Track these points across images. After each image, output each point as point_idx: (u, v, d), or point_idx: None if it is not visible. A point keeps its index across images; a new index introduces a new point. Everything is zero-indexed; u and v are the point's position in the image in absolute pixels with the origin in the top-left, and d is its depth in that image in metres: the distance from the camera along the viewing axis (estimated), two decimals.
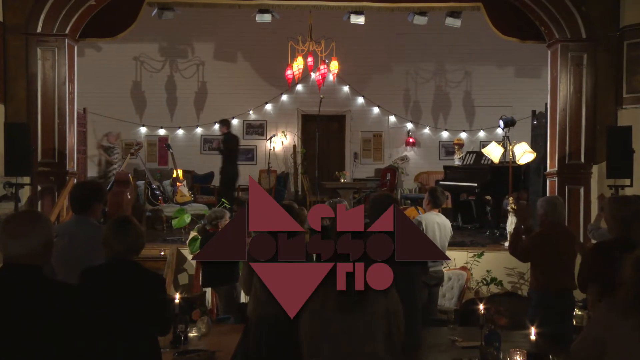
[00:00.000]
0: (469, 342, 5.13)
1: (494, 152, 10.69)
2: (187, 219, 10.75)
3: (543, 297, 5.96)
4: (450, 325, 5.86)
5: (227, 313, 7.15)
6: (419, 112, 16.75)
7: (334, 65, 13.88)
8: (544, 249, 5.97)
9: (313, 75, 15.38)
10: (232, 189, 13.78)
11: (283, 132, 16.46)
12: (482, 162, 12.55)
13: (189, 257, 9.62)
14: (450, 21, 11.67)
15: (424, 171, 16.45)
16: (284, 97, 16.50)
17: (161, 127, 16.36)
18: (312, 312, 3.55)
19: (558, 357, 4.48)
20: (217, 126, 15.46)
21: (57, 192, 10.17)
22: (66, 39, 10.35)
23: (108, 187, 11.28)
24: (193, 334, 5.41)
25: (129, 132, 16.11)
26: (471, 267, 9.29)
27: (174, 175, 13.09)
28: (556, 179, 10.61)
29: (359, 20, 11.70)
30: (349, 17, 11.76)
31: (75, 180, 10.41)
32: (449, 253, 7.05)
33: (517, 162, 10.48)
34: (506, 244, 8.81)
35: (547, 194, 10.50)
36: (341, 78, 15.70)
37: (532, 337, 4.98)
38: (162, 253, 9.75)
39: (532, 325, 5.02)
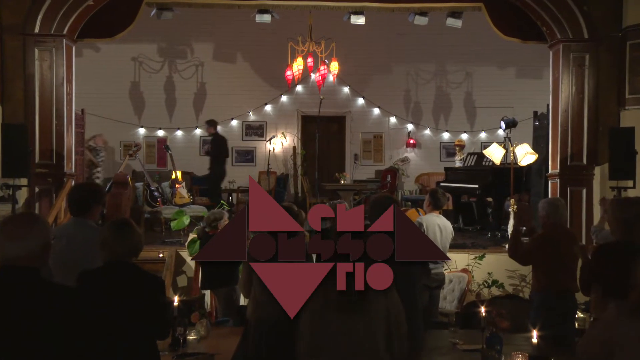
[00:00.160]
0: (470, 345, 5.10)
1: (495, 154, 10.67)
2: (186, 220, 10.69)
3: (545, 299, 5.95)
4: (452, 327, 5.87)
5: (227, 316, 7.14)
6: (420, 113, 16.72)
7: (334, 66, 13.88)
8: (545, 250, 5.97)
9: (313, 76, 15.38)
10: (219, 189, 13.99)
11: (283, 133, 16.41)
12: (484, 163, 12.49)
13: (188, 259, 9.57)
14: (451, 21, 11.64)
15: (425, 172, 16.43)
16: (284, 98, 16.46)
17: (160, 128, 16.32)
18: (312, 313, 3.53)
19: None
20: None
21: (55, 194, 10.13)
22: (64, 40, 10.30)
23: (106, 189, 11.21)
24: (192, 336, 5.40)
25: (127, 133, 16.09)
26: (472, 270, 9.27)
27: (173, 176, 13.04)
28: (558, 180, 10.56)
29: (359, 20, 11.67)
30: (349, 18, 11.73)
31: (73, 182, 10.37)
32: (450, 255, 7.03)
33: (518, 163, 10.46)
34: (507, 246, 8.76)
35: (549, 196, 10.47)
36: (341, 79, 15.67)
37: (534, 340, 4.98)
38: (161, 255, 9.71)
39: (534, 328, 5.01)
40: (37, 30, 10.17)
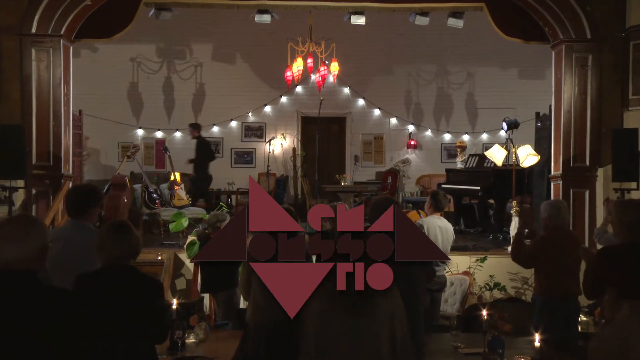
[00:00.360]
0: (471, 349, 5.14)
1: (497, 155, 10.67)
2: (185, 222, 10.64)
3: (547, 302, 5.98)
4: (453, 331, 5.82)
5: (226, 319, 7.15)
6: (421, 114, 16.68)
7: (334, 67, 13.89)
8: (548, 253, 6.00)
9: (313, 77, 15.37)
10: (206, 192, 14.17)
11: (282, 134, 16.38)
12: (485, 165, 12.49)
13: (187, 261, 9.56)
14: (452, 22, 11.59)
15: (426, 174, 16.41)
16: (284, 99, 16.42)
17: (158, 130, 16.28)
18: (316, 313, 3.52)
19: None
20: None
21: (52, 196, 10.09)
22: (61, 40, 10.24)
23: (104, 191, 11.17)
24: (191, 340, 5.43)
25: (125, 134, 16.09)
26: (474, 272, 9.27)
27: (172, 178, 13.01)
28: (560, 182, 10.51)
29: (360, 20, 11.63)
30: (350, 18, 11.68)
31: (70, 184, 10.34)
32: (451, 258, 7.00)
33: (520, 164, 10.50)
34: (509, 248, 8.75)
35: (552, 198, 10.44)
36: (341, 79, 15.65)
37: (537, 344, 4.99)
38: (159, 258, 9.70)
39: (537, 331, 5.03)
40: (34, 30, 10.12)
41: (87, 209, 5.07)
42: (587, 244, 9.65)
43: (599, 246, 7.06)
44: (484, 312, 5.05)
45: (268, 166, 14.28)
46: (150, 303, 4.00)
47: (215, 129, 16.21)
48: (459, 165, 14.08)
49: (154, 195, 12.54)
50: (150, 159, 16.23)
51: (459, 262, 9.31)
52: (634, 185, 9.49)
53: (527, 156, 10.27)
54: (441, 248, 7.02)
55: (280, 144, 16.37)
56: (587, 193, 10.36)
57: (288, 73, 13.82)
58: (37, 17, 10.09)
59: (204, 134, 14.60)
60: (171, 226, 10.72)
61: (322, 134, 14.34)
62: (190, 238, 9.42)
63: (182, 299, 7.86)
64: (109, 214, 9.85)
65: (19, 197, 9.81)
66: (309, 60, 13.92)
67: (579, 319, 6.54)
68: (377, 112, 16.53)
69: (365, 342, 3.46)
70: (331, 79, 14.50)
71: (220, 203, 10.81)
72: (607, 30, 10.41)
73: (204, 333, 5.56)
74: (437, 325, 7.00)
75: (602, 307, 3.96)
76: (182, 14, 12.95)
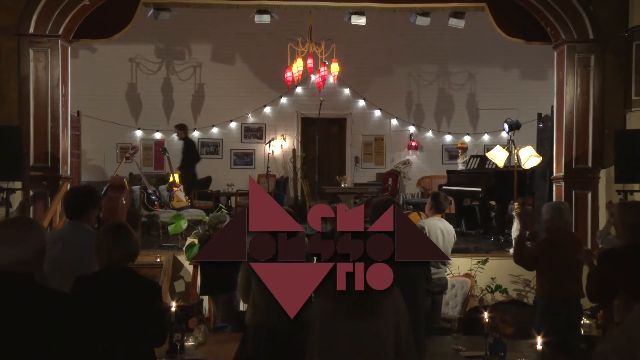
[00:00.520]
0: (473, 352, 5.16)
1: (498, 156, 10.65)
2: (184, 224, 10.60)
3: (549, 304, 5.99)
4: (454, 334, 5.90)
5: (225, 321, 7.18)
6: (422, 115, 16.67)
7: (335, 67, 13.91)
8: (550, 255, 6.02)
9: (313, 78, 15.35)
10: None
11: (282, 135, 16.37)
12: (487, 166, 12.49)
13: (186, 263, 9.57)
14: (453, 22, 11.56)
15: (427, 175, 16.37)
16: (283, 100, 16.39)
17: (157, 131, 16.25)
18: (320, 315, 3.55)
19: None
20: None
21: (50, 197, 10.04)
22: (59, 40, 10.20)
23: (103, 192, 11.14)
24: (190, 343, 5.49)
25: (124, 135, 16.07)
26: (475, 274, 9.24)
27: (170, 179, 12.98)
28: (563, 183, 10.47)
29: (360, 21, 11.60)
30: (350, 18, 11.65)
31: (69, 185, 10.30)
32: (452, 259, 6.98)
33: (522, 166, 10.48)
34: (511, 250, 8.75)
35: (554, 199, 10.44)
36: (342, 80, 15.65)
37: (539, 347, 5.01)
38: (158, 260, 9.68)
39: (539, 334, 5.06)
40: (31, 30, 10.07)
41: (85, 211, 5.04)
42: (589, 246, 9.60)
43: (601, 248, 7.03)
44: (486, 315, 5.06)
45: (268, 167, 14.28)
46: (148, 305, 3.98)
47: (215, 130, 16.20)
48: (460, 167, 14.06)
49: (153, 197, 12.53)
50: (149, 160, 16.21)
51: (460, 265, 9.29)
52: (637, 186, 9.48)
53: (529, 157, 10.24)
54: (442, 250, 7.03)
55: (280, 145, 16.35)
56: (589, 195, 10.32)
57: (288, 74, 13.82)
58: (34, 17, 10.04)
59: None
60: (170, 228, 10.68)
61: (322, 135, 14.36)
62: (190, 240, 9.43)
63: (181, 302, 7.87)
64: (108, 216, 9.83)
65: (16, 198, 9.77)
66: (309, 61, 13.92)
67: (581, 322, 6.58)
68: (377, 113, 16.51)
69: (369, 343, 3.48)
70: (331, 79, 14.51)
71: (220, 205, 10.77)
72: (610, 31, 10.36)
73: (203, 336, 5.58)
74: (438, 327, 7.05)
75: (612, 311, 3.97)
76: (181, 14, 12.90)
